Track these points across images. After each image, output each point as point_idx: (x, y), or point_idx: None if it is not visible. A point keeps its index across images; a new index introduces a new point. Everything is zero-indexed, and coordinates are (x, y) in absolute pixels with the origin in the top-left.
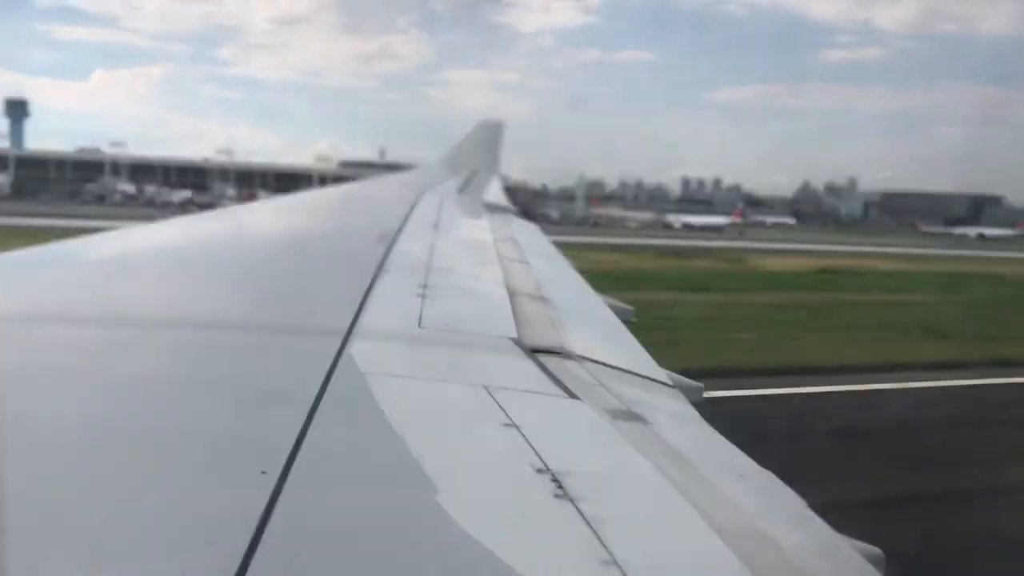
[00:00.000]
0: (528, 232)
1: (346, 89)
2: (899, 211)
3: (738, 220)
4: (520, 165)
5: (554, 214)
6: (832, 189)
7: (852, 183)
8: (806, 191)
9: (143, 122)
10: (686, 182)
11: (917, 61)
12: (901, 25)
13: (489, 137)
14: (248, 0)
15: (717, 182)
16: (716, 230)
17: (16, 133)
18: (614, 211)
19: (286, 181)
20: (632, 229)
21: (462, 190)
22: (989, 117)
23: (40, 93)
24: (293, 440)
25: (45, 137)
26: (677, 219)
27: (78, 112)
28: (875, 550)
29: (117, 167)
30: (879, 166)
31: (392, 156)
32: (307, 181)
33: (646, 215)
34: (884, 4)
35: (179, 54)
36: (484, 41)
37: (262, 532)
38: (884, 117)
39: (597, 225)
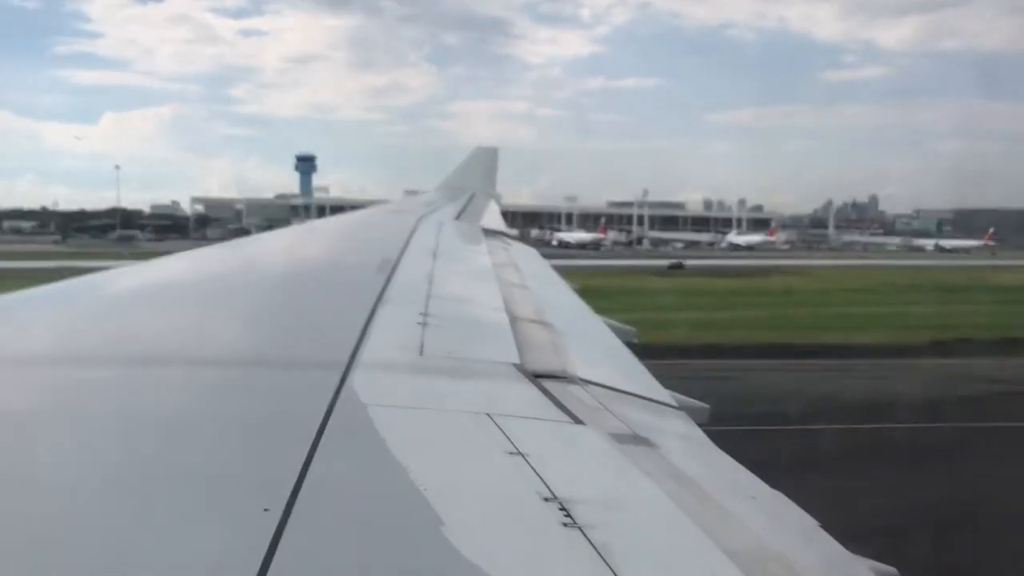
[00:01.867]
0: (527, 256)
1: (356, 123)
2: (972, 228)
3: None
4: (528, 191)
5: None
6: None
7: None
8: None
9: (152, 162)
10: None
11: (919, 78)
12: (903, 43)
13: (486, 162)
14: (263, 40)
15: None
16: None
17: (305, 184)
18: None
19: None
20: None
21: (460, 216)
22: (990, 130)
23: (55, 136)
24: (296, 475)
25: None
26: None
27: (88, 154)
28: (890, 569)
29: None
30: (883, 182)
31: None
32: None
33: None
34: (886, 23)
35: (191, 94)
36: (492, 73)
37: (266, 571)
38: (887, 133)
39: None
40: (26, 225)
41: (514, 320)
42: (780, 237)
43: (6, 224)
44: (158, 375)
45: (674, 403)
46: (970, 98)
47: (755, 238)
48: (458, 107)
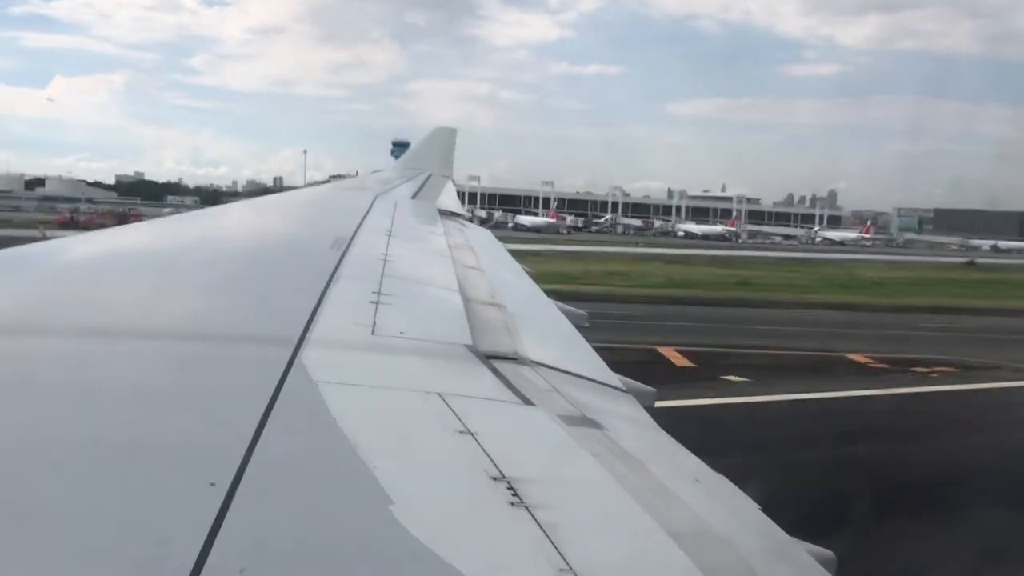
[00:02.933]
0: (482, 238)
1: (315, 99)
2: (952, 228)
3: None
4: (487, 172)
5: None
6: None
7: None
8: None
9: (104, 131)
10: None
11: (876, 75)
12: (862, 40)
13: (444, 143)
14: (224, 10)
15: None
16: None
17: None
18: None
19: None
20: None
21: (416, 195)
22: (942, 130)
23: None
24: (243, 451)
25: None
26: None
27: (38, 120)
28: (827, 553)
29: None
30: (834, 177)
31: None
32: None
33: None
34: (847, 21)
35: (148, 62)
36: (458, 53)
37: (211, 545)
38: (841, 129)
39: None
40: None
41: (467, 301)
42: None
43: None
44: (104, 347)
45: (622, 387)
46: (924, 96)
47: (850, 234)
48: (420, 86)
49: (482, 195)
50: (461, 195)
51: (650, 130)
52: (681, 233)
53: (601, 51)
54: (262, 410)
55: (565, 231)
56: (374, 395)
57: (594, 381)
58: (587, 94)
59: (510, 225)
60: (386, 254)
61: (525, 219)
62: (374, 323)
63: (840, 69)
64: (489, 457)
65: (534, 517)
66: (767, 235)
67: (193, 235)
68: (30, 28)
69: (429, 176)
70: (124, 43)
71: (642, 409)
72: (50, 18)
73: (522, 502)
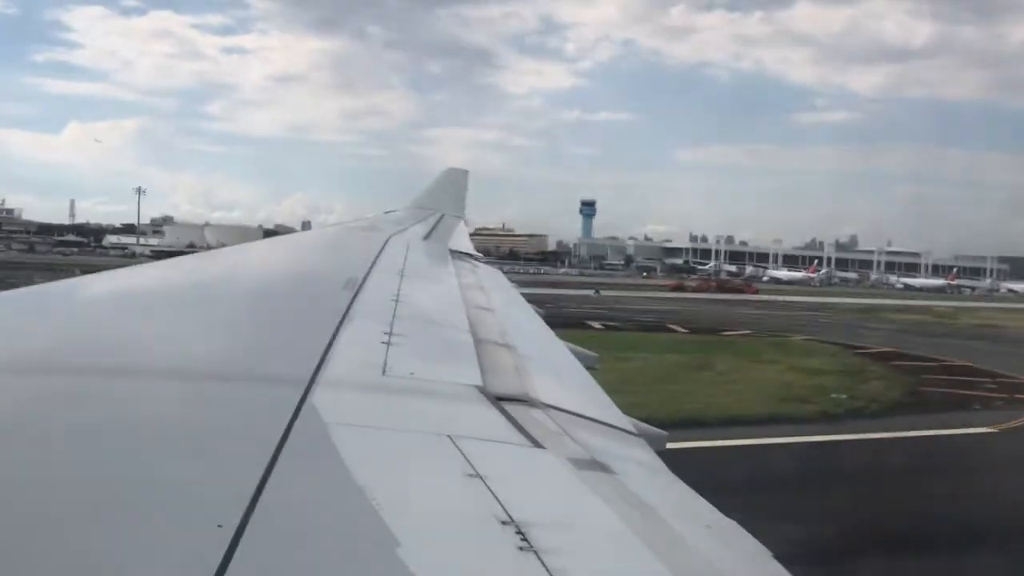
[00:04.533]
0: (493, 279)
1: (330, 144)
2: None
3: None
4: (496, 216)
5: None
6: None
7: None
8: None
9: (118, 174)
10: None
11: (886, 123)
12: (873, 89)
13: (455, 183)
14: (245, 58)
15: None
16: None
17: (586, 227)
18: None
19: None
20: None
21: (428, 236)
22: (948, 177)
23: (18, 144)
24: (251, 492)
25: None
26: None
27: (50, 164)
28: None
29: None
30: (845, 222)
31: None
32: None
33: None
34: (859, 70)
35: (166, 108)
36: (472, 102)
37: None
38: (851, 176)
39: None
40: None
41: (478, 342)
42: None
43: None
44: (116, 386)
45: (633, 430)
46: (931, 144)
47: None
48: (434, 133)
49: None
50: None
51: (657, 176)
52: (900, 285)
53: (614, 98)
54: (272, 451)
55: (816, 284)
56: (384, 437)
57: (605, 424)
58: (598, 140)
59: (765, 279)
60: (398, 295)
61: (780, 274)
62: (385, 363)
63: (850, 116)
64: (498, 501)
65: (543, 562)
66: (968, 287)
67: (206, 274)
68: (51, 75)
69: (441, 217)
70: (144, 89)
71: (653, 453)
72: (72, 65)
73: (531, 547)
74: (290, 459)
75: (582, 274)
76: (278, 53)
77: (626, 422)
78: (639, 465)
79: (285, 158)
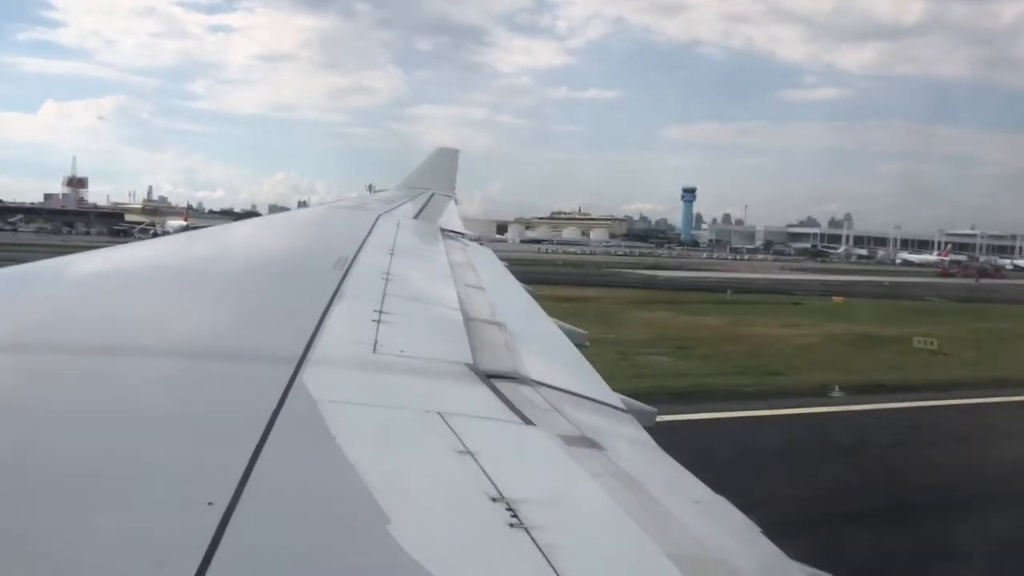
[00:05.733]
0: (483, 257)
1: (315, 123)
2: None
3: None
4: (479, 195)
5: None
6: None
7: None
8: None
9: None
10: (809, 222)
11: (875, 100)
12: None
13: (446, 162)
14: (232, 37)
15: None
16: None
17: (687, 212)
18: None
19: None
20: None
21: (418, 215)
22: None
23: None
24: (242, 469)
25: None
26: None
27: (28, 143)
28: (825, 575)
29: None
30: (829, 199)
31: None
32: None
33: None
34: (848, 48)
35: (148, 87)
36: (460, 79)
37: (208, 564)
38: (839, 153)
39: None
40: None
41: (468, 320)
42: None
43: None
44: (106, 364)
45: (623, 406)
46: (919, 121)
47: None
48: (419, 111)
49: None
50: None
51: (645, 154)
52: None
53: (604, 76)
54: (262, 428)
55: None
56: (374, 414)
57: (594, 400)
58: (586, 118)
59: (897, 261)
60: (388, 273)
61: (913, 256)
62: (375, 342)
63: (839, 93)
64: (488, 477)
65: (533, 539)
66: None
67: (197, 253)
68: (32, 54)
69: (432, 195)
70: (126, 67)
71: (642, 429)
72: (55, 44)
73: (521, 523)
74: (281, 437)
75: (750, 259)
76: (265, 31)
77: (615, 399)
78: (628, 441)
79: (269, 137)
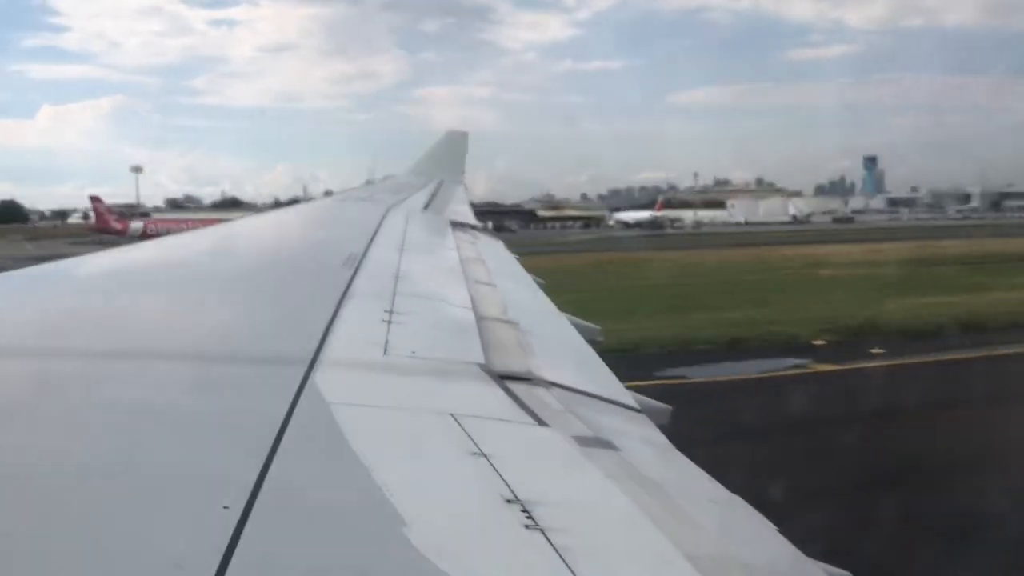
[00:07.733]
0: (494, 251)
1: (319, 111)
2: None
3: None
4: (485, 175)
5: None
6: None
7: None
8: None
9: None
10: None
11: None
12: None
13: (455, 146)
14: (234, 30)
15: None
16: None
17: (869, 180)
18: None
19: None
20: None
21: (428, 205)
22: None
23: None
24: (256, 472)
25: None
26: None
27: (25, 148)
28: (845, 574)
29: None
30: (844, 158)
31: None
32: None
33: None
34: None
35: (152, 86)
36: (466, 58)
37: (225, 568)
38: (848, 110)
39: None
40: None
41: (480, 319)
42: None
43: None
44: (118, 366)
45: (637, 406)
46: (931, 73)
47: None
48: (424, 92)
49: None
50: None
51: (654, 121)
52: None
53: (614, 47)
54: (275, 431)
55: None
56: (387, 416)
57: (608, 400)
58: (594, 88)
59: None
60: (398, 271)
61: None
62: (386, 342)
63: (849, 49)
64: (503, 479)
65: (549, 540)
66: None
67: (207, 252)
68: (38, 60)
69: (441, 183)
70: (131, 68)
71: (656, 429)
72: (60, 49)
73: (536, 525)
74: (294, 439)
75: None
76: (268, 23)
77: (629, 398)
78: (643, 442)
79: (274, 128)
